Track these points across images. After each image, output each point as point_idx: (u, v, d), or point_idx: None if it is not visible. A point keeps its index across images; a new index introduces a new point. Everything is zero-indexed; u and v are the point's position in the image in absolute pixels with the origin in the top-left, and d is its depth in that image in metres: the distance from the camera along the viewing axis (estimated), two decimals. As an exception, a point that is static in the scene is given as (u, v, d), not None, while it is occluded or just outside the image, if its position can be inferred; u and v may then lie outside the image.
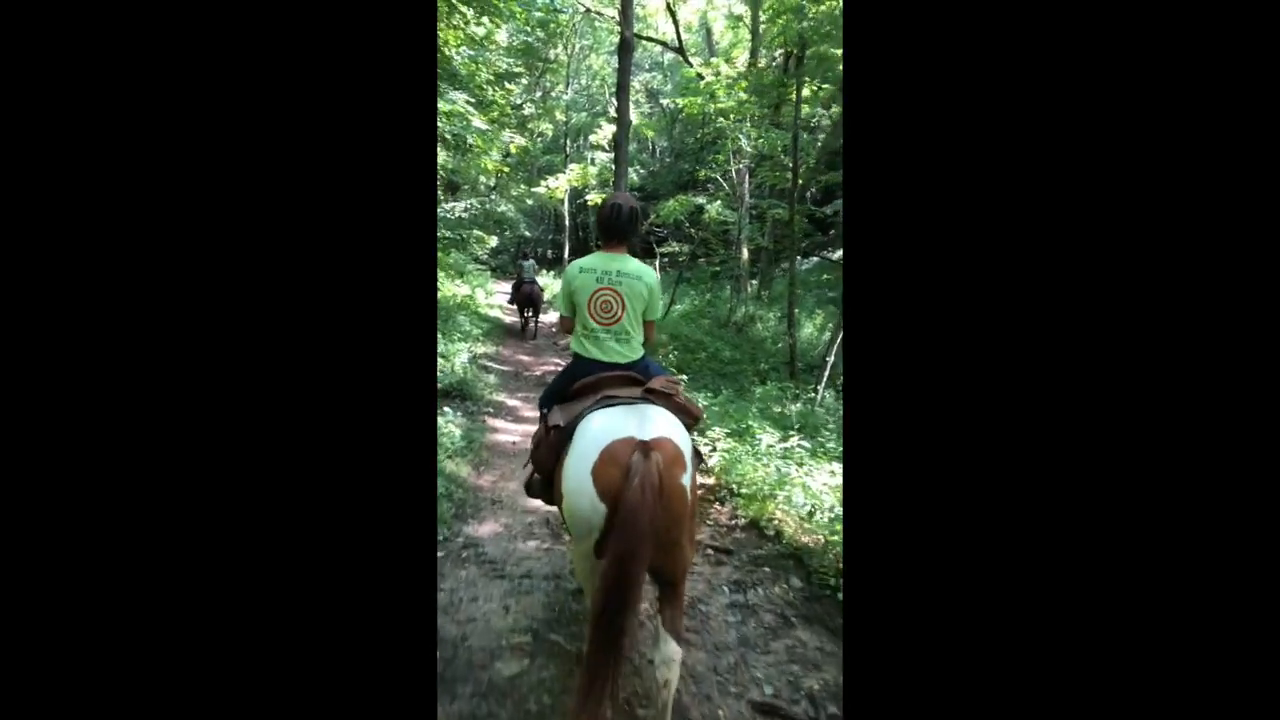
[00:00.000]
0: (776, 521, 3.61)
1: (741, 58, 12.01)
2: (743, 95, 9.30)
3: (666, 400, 2.13)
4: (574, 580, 2.96)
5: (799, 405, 7.04)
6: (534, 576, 3.09)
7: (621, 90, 8.91)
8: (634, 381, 2.20)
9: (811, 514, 3.39)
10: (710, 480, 4.38)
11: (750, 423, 4.65)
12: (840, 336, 8.10)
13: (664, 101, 12.92)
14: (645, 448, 1.79)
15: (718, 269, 11.49)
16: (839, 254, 13.80)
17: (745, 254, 12.03)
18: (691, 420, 2.20)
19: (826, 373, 7.75)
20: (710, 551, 3.44)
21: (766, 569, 3.25)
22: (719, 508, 4.00)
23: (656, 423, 1.93)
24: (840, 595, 2.88)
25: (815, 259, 12.78)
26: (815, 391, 7.64)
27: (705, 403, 5.65)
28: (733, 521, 3.78)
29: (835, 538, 3.27)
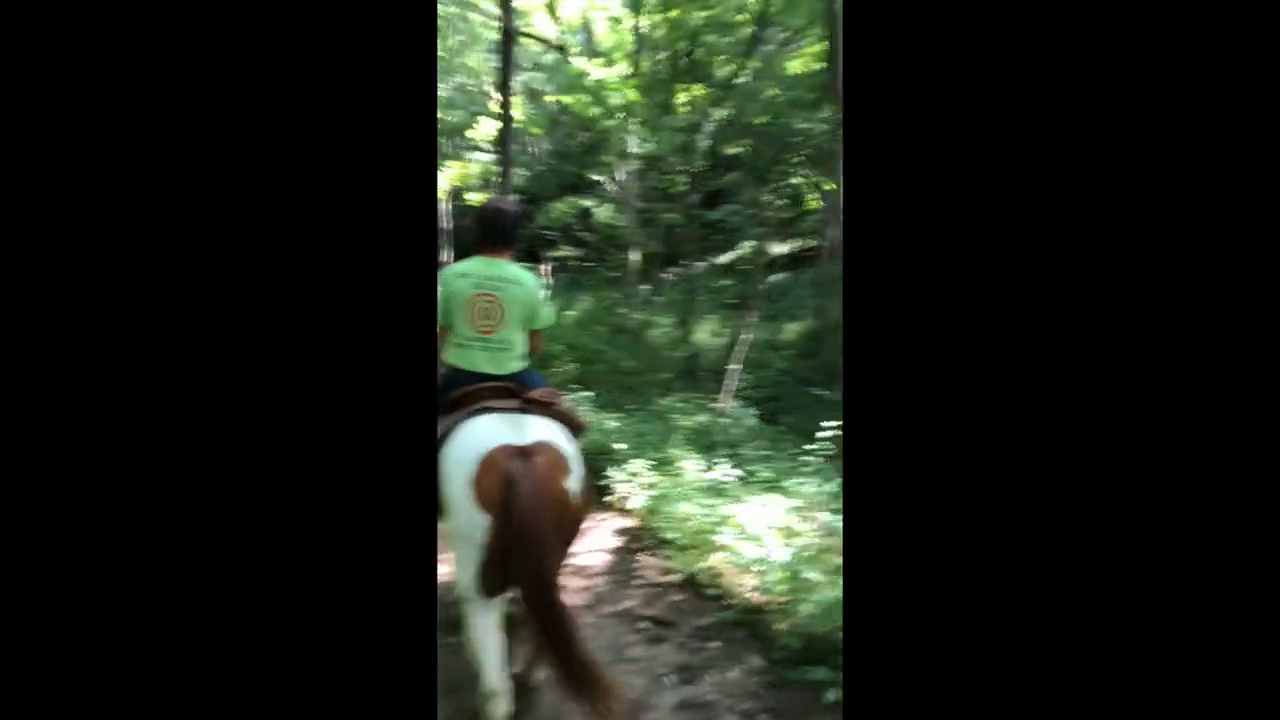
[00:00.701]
0: (718, 576, 2.97)
1: (624, 61, 11.46)
2: (632, 95, 8.68)
3: (547, 409, 1.97)
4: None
5: (705, 416, 6.54)
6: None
7: (504, 84, 8.08)
8: (512, 393, 2.00)
9: (765, 572, 2.77)
10: (632, 523, 3.68)
11: (673, 450, 3.99)
12: (747, 345, 7.70)
13: (548, 99, 12.07)
14: (524, 452, 1.70)
15: (617, 275, 10.88)
16: (725, 258, 13.61)
17: (637, 258, 11.47)
18: (576, 429, 2.06)
19: (733, 382, 7.31)
20: (645, 624, 2.73)
21: (716, 645, 2.59)
22: (646, 559, 3.30)
23: (535, 429, 1.82)
24: (812, 677, 2.27)
25: (702, 264, 12.46)
26: (719, 400, 7.20)
27: (617, 423, 4.94)
28: (665, 579, 3.09)
29: (796, 596, 2.66)
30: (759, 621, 2.65)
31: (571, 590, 3.03)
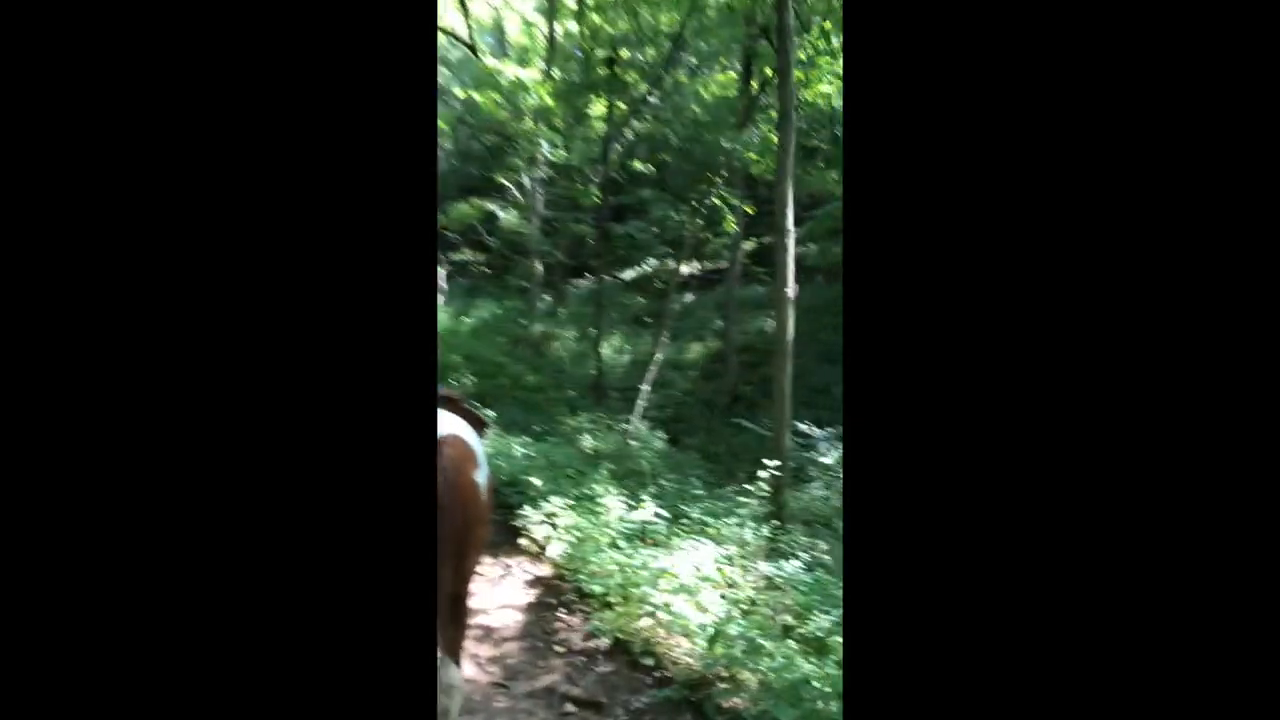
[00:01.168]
0: (650, 640, 2.55)
1: (536, 65, 10.93)
2: (548, 100, 8.18)
3: (453, 405, 1.91)
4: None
5: (614, 439, 6.15)
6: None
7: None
8: None
9: (714, 640, 2.38)
10: (547, 571, 3.18)
11: (595, 486, 3.52)
12: (655, 365, 7.38)
13: (456, 92, 11.26)
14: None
15: (526, 285, 10.24)
16: (630, 273, 13.33)
17: (539, 268, 10.90)
18: (479, 427, 2.01)
19: (640, 402, 6.95)
20: (573, 708, 2.25)
21: (656, 732, 2.16)
22: (566, 618, 2.82)
23: (443, 422, 1.74)
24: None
25: (608, 278, 12.10)
26: (628, 422, 6.84)
27: (522, 450, 4.41)
28: (590, 644, 2.62)
29: (739, 669, 2.29)
30: (703, 699, 2.26)
31: (483, 659, 2.50)
